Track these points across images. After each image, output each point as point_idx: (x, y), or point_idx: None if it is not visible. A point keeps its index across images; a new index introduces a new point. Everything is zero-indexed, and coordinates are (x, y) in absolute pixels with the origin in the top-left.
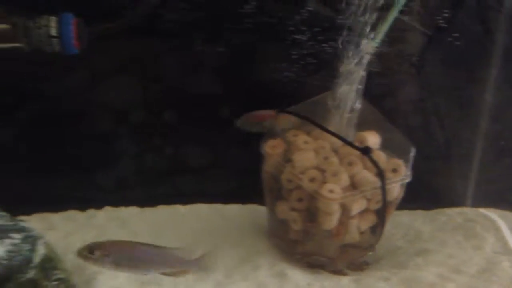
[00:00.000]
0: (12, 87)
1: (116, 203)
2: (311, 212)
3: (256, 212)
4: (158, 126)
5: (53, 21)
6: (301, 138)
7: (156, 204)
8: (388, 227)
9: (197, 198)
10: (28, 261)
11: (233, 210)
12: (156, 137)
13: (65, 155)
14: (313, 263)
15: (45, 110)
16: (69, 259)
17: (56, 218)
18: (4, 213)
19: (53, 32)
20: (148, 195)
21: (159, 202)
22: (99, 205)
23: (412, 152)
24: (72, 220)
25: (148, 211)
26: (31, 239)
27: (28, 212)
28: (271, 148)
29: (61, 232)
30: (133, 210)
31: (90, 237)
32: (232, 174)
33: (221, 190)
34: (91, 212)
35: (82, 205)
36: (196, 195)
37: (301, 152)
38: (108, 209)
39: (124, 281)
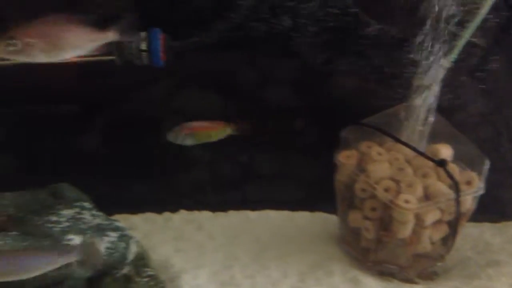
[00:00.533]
0: (100, 96)
1: (190, 207)
2: (384, 221)
3: (324, 220)
4: (233, 135)
5: (143, 36)
6: (374, 150)
7: (227, 209)
8: (457, 238)
9: (265, 205)
10: (123, 258)
11: (302, 217)
12: (230, 145)
13: (144, 160)
14: (383, 271)
15: (128, 118)
16: (154, 258)
17: (136, 219)
18: (100, 213)
19: (143, 46)
20: (219, 200)
21: (230, 208)
22: (174, 209)
23: (486, 165)
24: (151, 221)
25: (220, 216)
26: (126, 238)
27: (110, 213)
28: (345, 158)
29: (142, 232)
30: (206, 214)
31: (169, 238)
32: (301, 183)
33: (289, 198)
34: (167, 215)
35: (158, 208)
36: (264, 202)
37: (376, 163)
38: (183, 213)
39: (205, 281)
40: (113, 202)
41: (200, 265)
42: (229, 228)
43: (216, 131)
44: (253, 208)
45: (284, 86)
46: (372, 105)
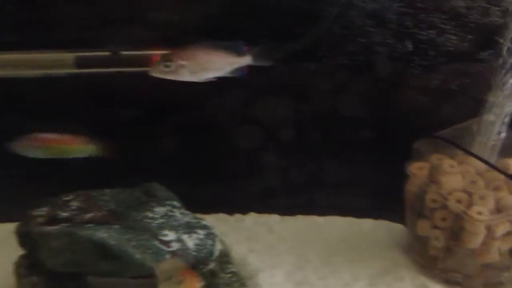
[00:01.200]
0: (181, 102)
1: (259, 210)
2: (454, 231)
3: (388, 227)
4: (303, 143)
5: None
6: (446, 162)
7: (295, 214)
8: None
9: (331, 211)
10: (210, 254)
11: (367, 224)
12: (300, 153)
13: (219, 165)
14: (449, 280)
15: (205, 124)
16: (232, 256)
17: (209, 219)
18: (188, 212)
19: None
20: (288, 204)
21: (298, 212)
22: (244, 211)
23: None
24: (224, 222)
25: (289, 219)
26: (212, 236)
27: None
28: (417, 169)
29: (217, 232)
30: (275, 218)
31: (242, 238)
32: (366, 191)
33: (354, 205)
34: (238, 216)
35: (229, 209)
36: (331, 208)
37: (449, 175)
38: (252, 215)
39: (281, 280)
40: (187, 202)
41: (275, 265)
42: (298, 232)
43: (72, 147)
44: (320, 214)
45: (358, 97)
46: (444, 118)
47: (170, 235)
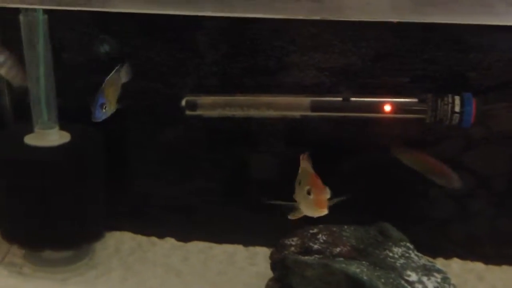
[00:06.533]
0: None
1: (463, 256)
2: None
3: None
4: None
5: (457, 100)
6: None
7: (500, 264)
8: None
9: None
10: None
11: None
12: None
13: (427, 208)
14: None
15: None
16: None
17: None
18: (420, 254)
19: (457, 108)
20: (493, 254)
21: (504, 262)
22: (447, 256)
23: None
24: None
25: (495, 269)
26: (448, 280)
27: None
28: None
29: None
30: (480, 266)
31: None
32: None
33: None
34: (441, 260)
35: (431, 253)
36: None
37: None
38: (456, 261)
39: None
40: None
41: None
42: (508, 282)
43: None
44: None
45: None
46: None
47: (413, 276)
